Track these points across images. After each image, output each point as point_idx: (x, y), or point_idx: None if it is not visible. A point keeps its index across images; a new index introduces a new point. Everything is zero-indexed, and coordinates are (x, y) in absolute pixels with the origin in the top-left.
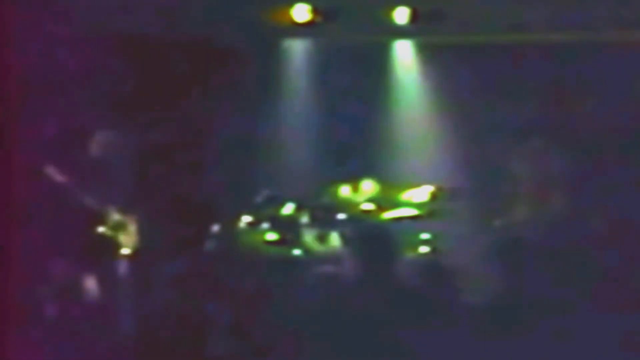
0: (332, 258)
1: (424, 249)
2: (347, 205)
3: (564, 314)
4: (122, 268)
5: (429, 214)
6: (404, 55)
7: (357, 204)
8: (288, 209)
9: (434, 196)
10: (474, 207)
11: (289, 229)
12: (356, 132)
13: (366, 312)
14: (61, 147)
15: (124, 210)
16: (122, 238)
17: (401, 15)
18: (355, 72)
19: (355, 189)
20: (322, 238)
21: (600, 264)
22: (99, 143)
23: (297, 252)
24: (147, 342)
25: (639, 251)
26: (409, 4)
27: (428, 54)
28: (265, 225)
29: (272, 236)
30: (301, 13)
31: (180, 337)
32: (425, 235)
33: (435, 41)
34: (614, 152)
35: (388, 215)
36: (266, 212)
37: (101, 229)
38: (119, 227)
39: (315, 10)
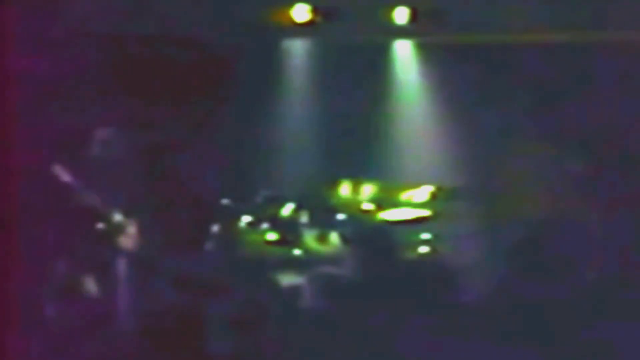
0: (332, 258)
1: (423, 249)
2: (347, 205)
3: (565, 314)
4: (123, 268)
5: (429, 213)
6: (404, 55)
7: (357, 204)
8: (288, 209)
9: (434, 196)
10: (474, 207)
11: (289, 229)
12: (356, 131)
13: (366, 312)
14: (61, 147)
15: (124, 209)
16: (122, 238)
17: (401, 15)
18: (355, 72)
19: (355, 189)
20: (322, 238)
21: (600, 264)
22: (99, 143)
23: (297, 252)
24: (147, 341)
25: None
26: (409, 4)
27: (428, 54)
28: (265, 225)
29: (272, 236)
30: (301, 13)
31: (181, 336)
32: (425, 235)
33: (435, 41)
34: (613, 152)
35: (386, 215)
36: (266, 212)
37: (101, 229)
38: (119, 226)
39: (315, 10)
